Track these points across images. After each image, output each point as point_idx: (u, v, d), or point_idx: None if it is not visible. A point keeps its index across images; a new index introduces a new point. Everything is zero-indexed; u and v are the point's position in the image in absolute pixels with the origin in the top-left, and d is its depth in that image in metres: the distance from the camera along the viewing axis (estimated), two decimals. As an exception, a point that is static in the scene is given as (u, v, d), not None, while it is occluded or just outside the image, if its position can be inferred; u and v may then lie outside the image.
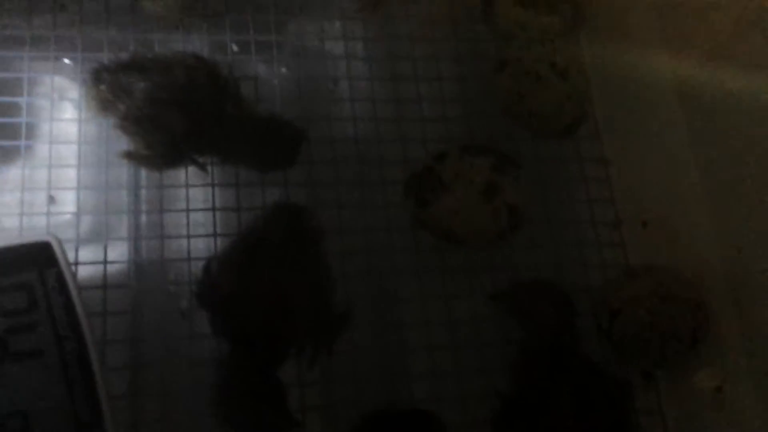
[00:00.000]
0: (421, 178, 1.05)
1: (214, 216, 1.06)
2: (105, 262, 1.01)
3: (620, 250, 1.14)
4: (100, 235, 1.04)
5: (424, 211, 1.04)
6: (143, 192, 1.08)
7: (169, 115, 1.01)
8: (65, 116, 1.10)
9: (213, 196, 1.07)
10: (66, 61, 1.12)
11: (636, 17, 1.19)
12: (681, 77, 1.11)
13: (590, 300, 1.06)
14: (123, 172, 1.07)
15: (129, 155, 1.03)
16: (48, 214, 1.03)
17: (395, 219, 1.09)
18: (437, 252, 1.08)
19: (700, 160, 1.05)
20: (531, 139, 1.15)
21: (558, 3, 1.22)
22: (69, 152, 1.07)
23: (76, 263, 0.99)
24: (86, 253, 1.02)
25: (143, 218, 1.07)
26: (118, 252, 1.04)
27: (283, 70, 1.17)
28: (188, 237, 1.04)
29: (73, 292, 0.85)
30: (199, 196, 1.07)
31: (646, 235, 1.12)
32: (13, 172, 1.06)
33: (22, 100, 1.08)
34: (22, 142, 1.06)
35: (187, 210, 1.06)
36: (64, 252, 0.87)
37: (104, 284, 1.00)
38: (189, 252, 1.04)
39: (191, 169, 1.05)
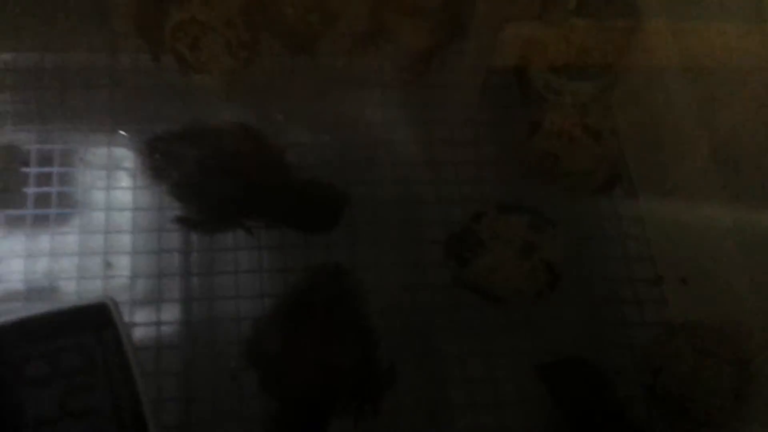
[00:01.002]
0: (460, 238, 1.08)
1: (261, 278, 1.10)
2: (158, 323, 1.06)
3: (660, 307, 1.15)
4: (153, 297, 1.08)
5: (464, 270, 1.07)
6: (194, 255, 1.12)
7: (218, 182, 1.06)
8: (121, 184, 1.15)
9: (260, 258, 1.11)
10: (122, 132, 1.19)
11: (669, 79, 1.22)
12: (716, 137, 1.13)
13: (631, 358, 1.06)
14: (175, 236, 1.12)
15: (181, 221, 1.09)
16: (104, 277, 1.08)
17: (436, 278, 1.12)
18: (478, 310, 1.10)
19: (738, 219, 1.07)
20: (567, 199, 1.18)
21: (590, 68, 1.27)
22: (124, 219, 1.13)
23: (131, 324, 1.04)
24: (140, 315, 1.06)
25: (194, 280, 1.10)
26: (171, 313, 1.08)
27: (326, 136, 1.22)
28: (237, 298, 1.08)
29: (129, 353, 0.88)
30: (246, 258, 1.11)
31: (686, 292, 1.13)
32: (71, 239, 1.11)
33: (79, 170, 1.15)
34: (80, 210, 1.12)
35: (236, 272, 1.10)
36: (120, 314, 0.91)
37: (157, 344, 1.04)
38: (238, 312, 1.07)
39: (239, 232, 1.10)
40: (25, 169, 1.14)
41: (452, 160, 1.22)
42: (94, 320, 0.90)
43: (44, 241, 1.10)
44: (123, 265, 1.10)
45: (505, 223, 1.07)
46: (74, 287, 1.07)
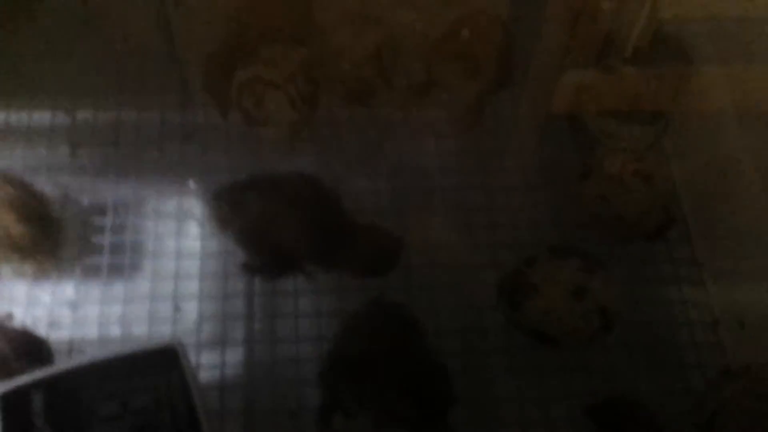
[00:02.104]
0: (512, 282, 1.10)
1: (319, 321, 1.14)
2: (222, 365, 1.10)
3: (718, 350, 1.14)
4: (218, 340, 1.13)
5: (517, 313, 1.08)
6: (257, 300, 1.16)
7: (280, 229, 1.11)
8: (190, 233, 1.22)
9: (319, 302, 1.15)
10: (191, 184, 1.25)
11: (724, 125, 1.23)
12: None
13: (687, 402, 1.06)
14: (239, 282, 1.17)
15: (245, 267, 1.14)
16: (173, 321, 1.14)
17: (490, 321, 1.13)
18: (532, 352, 1.11)
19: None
20: (620, 243, 1.18)
21: (644, 113, 1.28)
22: (192, 265, 1.19)
23: (197, 366, 1.09)
24: (206, 357, 1.11)
25: (257, 324, 1.15)
26: (234, 355, 1.12)
27: (382, 184, 1.26)
28: (296, 341, 1.12)
29: (195, 394, 0.91)
30: (306, 302, 1.15)
31: (743, 336, 1.12)
32: (142, 285, 1.17)
33: (152, 220, 1.22)
34: (151, 258, 1.19)
35: (296, 316, 1.14)
36: (187, 356, 0.95)
37: (221, 385, 1.09)
38: (297, 355, 1.11)
39: (300, 277, 1.14)
40: (101, 220, 1.21)
41: (506, 204, 1.25)
42: (162, 363, 0.94)
43: (118, 288, 1.16)
44: (191, 309, 1.15)
45: (557, 267, 1.08)
46: (145, 331, 1.13)
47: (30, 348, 1.03)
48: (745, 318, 1.12)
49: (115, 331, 1.13)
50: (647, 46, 1.26)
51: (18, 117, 1.31)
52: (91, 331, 1.12)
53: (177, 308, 1.15)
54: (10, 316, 1.10)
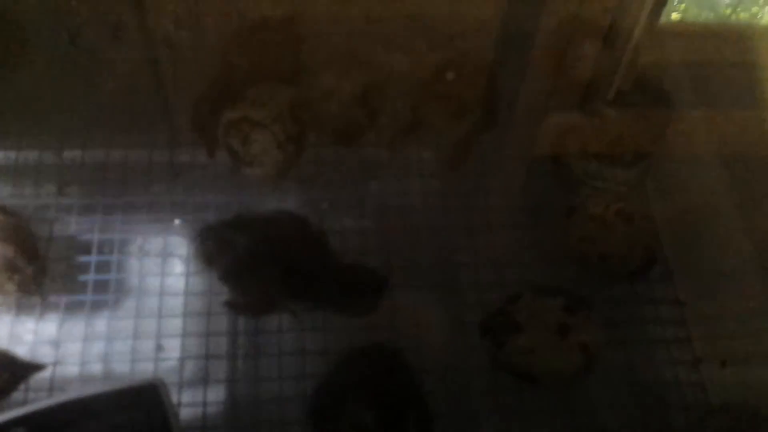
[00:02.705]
0: (496, 320, 1.10)
1: (303, 359, 1.13)
2: (204, 403, 1.09)
3: (700, 389, 1.14)
4: (201, 379, 1.12)
5: (501, 352, 1.08)
6: (240, 338, 1.16)
7: (265, 268, 1.11)
8: (174, 271, 1.22)
9: (303, 340, 1.15)
10: (177, 221, 1.26)
11: (704, 167, 1.25)
12: (752, 221, 1.15)
13: (671, 440, 1.06)
14: (223, 320, 1.16)
15: (229, 305, 1.14)
16: (156, 359, 1.13)
17: (475, 360, 1.13)
18: (516, 392, 1.11)
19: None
20: (603, 282, 1.19)
21: (626, 155, 1.30)
22: (176, 303, 1.18)
23: (179, 405, 1.08)
24: (188, 396, 1.10)
25: (240, 362, 1.14)
26: (217, 394, 1.11)
27: (368, 223, 1.27)
28: (280, 379, 1.12)
29: (175, 432, 0.92)
30: (290, 340, 1.15)
31: (725, 375, 1.12)
32: (125, 323, 1.16)
33: (137, 258, 1.22)
34: (135, 296, 1.19)
35: (279, 354, 1.14)
36: (168, 395, 0.95)
37: (203, 424, 1.08)
38: (281, 393, 1.10)
39: (284, 315, 1.14)
40: (86, 258, 1.21)
41: (491, 244, 1.26)
42: (144, 401, 0.94)
43: (101, 325, 1.16)
44: (174, 347, 1.14)
45: (540, 305, 1.09)
46: (127, 369, 1.12)
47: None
48: (726, 357, 1.13)
49: (96, 369, 1.12)
50: (629, 90, 1.28)
51: (5, 155, 1.31)
52: (73, 369, 1.11)
53: (160, 346, 1.14)
54: None
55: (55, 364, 1.10)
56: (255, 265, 1.12)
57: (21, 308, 1.14)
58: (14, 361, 1.08)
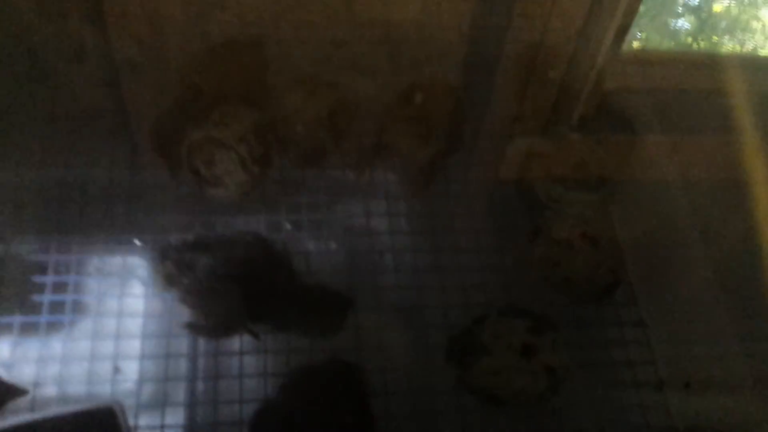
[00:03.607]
0: (462, 341, 1.09)
1: (265, 381, 1.11)
2: (162, 426, 1.07)
3: (663, 411, 1.14)
4: (159, 402, 1.09)
5: (466, 373, 1.08)
6: (200, 360, 1.14)
7: (227, 288, 1.09)
8: (133, 292, 1.19)
9: (265, 362, 1.12)
10: (137, 242, 1.23)
11: (667, 191, 1.26)
12: (714, 245, 1.16)
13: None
14: (183, 341, 1.14)
15: (189, 326, 1.11)
16: (113, 382, 1.10)
17: (440, 381, 1.12)
18: (481, 413, 1.10)
19: (739, 322, 1.08)
20: (568, 304, 1.19)
21: (590, 179, 1.31)
22: (135, 325, 1.15)
23: (136, 428, 1.05)
24: (146, 419, 1.07)
25: (200, 385, 1.12)
26: (175, 417, 1.08)
27: (332, 245, 1.26)
28: (240, 402, 1.09)
29: (132, 456, 0.90)
30: (252, 362, 1.13)
31: (688, 396, 1.12)
32: (82, 345, 1.13)
33: (94, 279, 1.19)
34: (92, 317, 1.15)
35: (240, 376, 1.11)
36: (125, 418, 0.93)
37: (161, 448, 1.05)
38: (241, 416, 1.08)
39: (246, 337, 1.12)
40: (41, 278, 1.18)
41: (456, 265, 1.25)
42: (100, 424, 0.92)
43: (56, 347, 1.12)
44: (132, 369, 1.12)
45: (505, 326, 1.09)
46: (83, 391, 1.09)
47: None
48: (690, 378, 1.13)
49: (51, 392, 1.08)
50: (594, 116, 1.29)
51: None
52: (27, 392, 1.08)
53: (116, 369, 1.11)
54: None
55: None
56: (216, 286, 1.10)
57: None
58: None
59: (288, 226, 1.27)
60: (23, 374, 1.09)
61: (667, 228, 1.25)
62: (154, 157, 1.28)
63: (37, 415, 0.92)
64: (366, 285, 1.21)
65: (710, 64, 1.35)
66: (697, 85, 1.33)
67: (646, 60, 1.37)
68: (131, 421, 0.99)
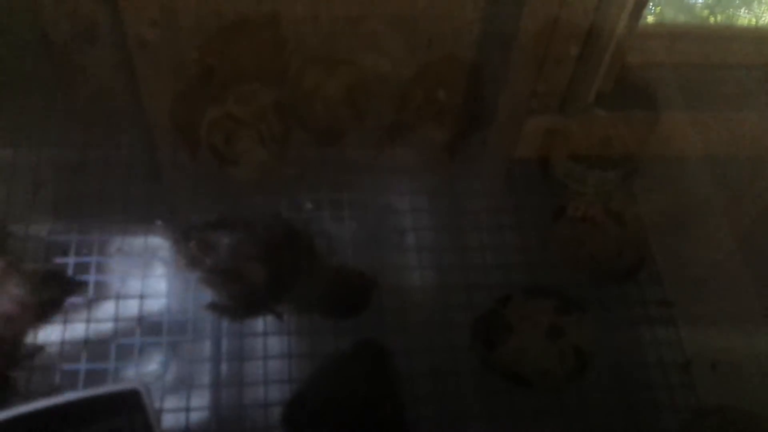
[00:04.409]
0: (487, 322, 1.09)
1: (289, 363, 1.11)
2: (188, 409, 1.07)
3: (690, 391, 1.14)
4: (184, 384, 1.09)
5: (492, 354, 1.07)
6: (224, 341, 1.13)
7: (249, 269, 1.08)
8: (155, 273, 1.19)
9: (289, 343, 1.12)
10: (158, 222, 1.23)
11: (691, 167, 1.25)
12: (739, 222, 1.15)
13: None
14: (207, 323, 1.14)
15: (212, 307, 1.11)
16: (137, 363, 1.10)
17: (465, 362, 1.12)
18: (507, 394, 1.09)
19: (765, 299, 1.07)
20: (593, 283, 1.19)
21: (611, 157, 1.30)
22: (157, 306, 1.15)
23: (161, 410, 1.05)
24: (171, 401, 1.07)
25: (224, 366, 1.12)
26: (200, 399, 1.08)
27: (354, 224, 1.25)
28: (265, 383, 1.09)
29: (158, 438, 0.90)
30: (275, 343, 1.13)
31: (715, 376, 1.12)
32: (106, 326, 1.13)
33: (116, 259, 1.19)
34: (114, 299, 1.15)
35: (265, 357, 1.11)
36: (151, 400, 0.93)
37: (186, 430, 1.05)
38: (266, 398, 1.08)
39: (269, 318, 1.12)
40: (63, 259, 1.18)
41: (479, 245, 1.25)
42: (126, 406, 0.91)
43: (79, 328, 1.12)
44: (156, 351, 1.11)
45: (531, 307, 1.08)
46: (109, 372, 1.09)
47: None
48: (716, 358, 1.13)
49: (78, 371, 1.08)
50: (611, 91, 1.28)
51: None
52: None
53: (141, 350, 1.11)
54: None
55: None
56: (238, 266, 1.09)
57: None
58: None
59: (309, 206, 1.26)
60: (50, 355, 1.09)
61: (691, 206, 1.24)
62: (172, 137, 1.28)
63: (61, 399, 0.91)
64: (388, 265, 1.21)
65: (731, 37, 1.33)
66: (720, 59, 1.31)
67: (665, 34, 1.35)
68: (157, 403, 0.99)
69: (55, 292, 1.08)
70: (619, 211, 1.18)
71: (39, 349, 1.07)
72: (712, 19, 1.63)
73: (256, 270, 1.08)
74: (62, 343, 1.10)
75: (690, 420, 1.05)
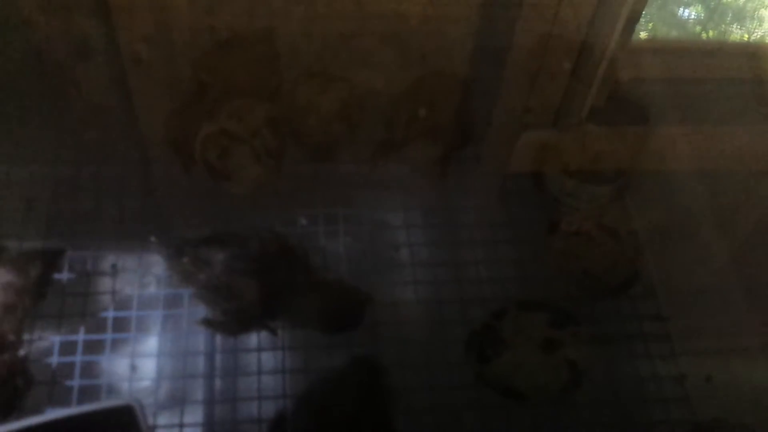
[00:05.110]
0: (482, 336, 1.09)
1: (283, 378, 1.11)
2: (181, 425, 1.06)
3: (685, 405, 1.13)
4: (177, 400, 1.09)
5: (486, 368, 1.07)
6: (218, 357, 1.13)
7: (243, 284, 1.08)
8: (150, 288, 1.18)
9: (283, 359, 1.12)
10: (152, 239, 1.23)
11: (683, 181, 1.25)
12: (731, 235, 1.15)
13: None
14: (200, 338, 1.13)
15: (206, 322, 1.11)
16: (130, 380, 1.09)
17: (460, 377, 1.11)
18: (501, 408, 1.09)
19: (759, 313, 1.07)
20: (588, 298, 1.19)
21: (604, 171, 1.30)
22: (151, 321, 1.15)
23: (155, 426, 1.05)
24: (164, 417, 1.07)
25: (217, 382, 1.11)
26: (194, 416, 1.08)
27: (348, 239, 1.25)
28: (259, 399, 1.09)
29: (152, 455, 0.89)
30: (269, 359, 1.12)
31: (710, 390, 1.12)
32: (100, 342, 1.13)
33: (111, 275, 1.18)
34: (110, 313, 1.15)
35: (259, 373, 1.11)
36: (144, 416, 0.92)
37: (180, 446, 1.05)
38: (259, 414, 1.08)
39: (263, 333, 1.11)
40: (58, 276, 1.17)
41: (473, 260, 1.25)
42: (119, 422, 0.91)
43: (72, 345, 1.12)
44: (149, 367, 1.11)
45: (526, 320, 1.08)
46: (101, 388, 1.09)
47: None
48: (710, 372, 1.12)
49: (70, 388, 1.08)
50: (607, 107, 1.28)
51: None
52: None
53: (134, 366, 1.11)
54: None
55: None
56: (232, 281, 1.09)
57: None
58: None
59: (303, 221, 1.26)
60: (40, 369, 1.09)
61: (684, 220, 1.24)
62: (166, 153, 1.27)
63: (55, 414, 0.90)
64: (382, 280, 1.21)
65: (723, 52, 1.34)
66: (710, 74, 1.32)
67: (657, 49, 1.36)
68: (150, 419, 0.98)
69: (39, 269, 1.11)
70: (612, 226, 1.19)
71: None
72: (704, 35, 1.64)
73: (250, 285, 1.09)
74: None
75: (688, 434, 1.05)
